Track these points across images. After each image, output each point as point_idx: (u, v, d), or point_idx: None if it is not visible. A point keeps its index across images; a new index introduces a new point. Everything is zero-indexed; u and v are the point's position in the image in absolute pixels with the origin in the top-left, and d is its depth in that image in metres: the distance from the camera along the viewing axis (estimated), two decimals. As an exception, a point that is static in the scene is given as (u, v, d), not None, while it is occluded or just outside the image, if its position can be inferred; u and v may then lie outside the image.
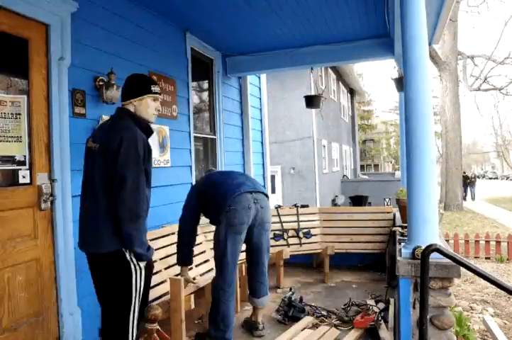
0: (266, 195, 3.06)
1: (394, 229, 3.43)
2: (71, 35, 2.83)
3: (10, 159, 2.45)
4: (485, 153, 59.72)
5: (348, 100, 20.27)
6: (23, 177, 2.54)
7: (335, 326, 3.18)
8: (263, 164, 6.40)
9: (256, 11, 3.88)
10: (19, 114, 2.49)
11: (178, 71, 4.22)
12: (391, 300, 3.15)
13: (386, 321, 3.10)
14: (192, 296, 2.78)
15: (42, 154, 2.64)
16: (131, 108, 2.17)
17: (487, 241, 7.94)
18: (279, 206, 4.98)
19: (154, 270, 3.15)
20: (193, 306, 2.79)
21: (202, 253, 3.85)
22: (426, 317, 2.02)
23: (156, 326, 2.53)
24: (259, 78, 6.38)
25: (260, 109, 6.38)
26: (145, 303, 2.15)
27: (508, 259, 7.58)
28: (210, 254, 3.96)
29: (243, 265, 3.56)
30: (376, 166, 40.60)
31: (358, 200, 11.49)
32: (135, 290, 2.01)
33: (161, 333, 2.61)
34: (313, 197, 11.57)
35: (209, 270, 3.75)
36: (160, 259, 3.29)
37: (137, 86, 2.19)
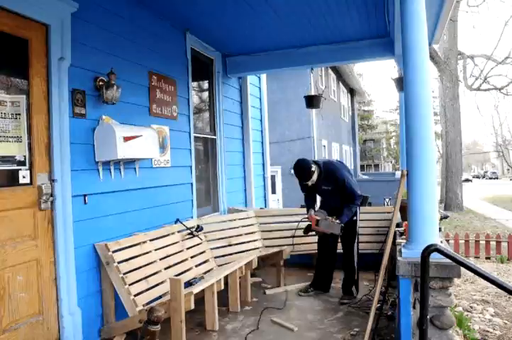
0: None
1: (395, 229, 3.42)
2: (72, 35, 2.83)
3: (10, 159, 2.45)
4: (485, 153, 59.65)
5: (348, 100, 20.26)
6: (23, 177, 2.53)
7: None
8: (263, 164, 6.40)
9: (256, 11, 3.88)
10: (19, 114, 2.49)
11: (178, 71, 4.22)
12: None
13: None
14: (192, 296, 2.78)
15: (42, 154, 2.64)
16: None
17: (487, 241, 7.94)
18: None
19: (154, 271, 3.16)
20: (193, 306, 2.78)
21: (202, 253, 3.86)
22: (426, 317, 2.02)
23: (158, 328, 2.53)
24: (259, 78, 6.38)
25: (260, 109, 6.38)
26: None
27: (508, 259, 7.58)
28: (210, 254, 3.96)
29: (243, 267, 3.56)
30: (376, 166, 40.54)
31: (358, 200, 11.45)
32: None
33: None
34: (313, 197, 11.54)
35: (209, 270, 3.76)
36: (160, 259, 3.29)
37: None
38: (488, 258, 7.82)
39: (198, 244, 3.84)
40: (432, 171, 2.27)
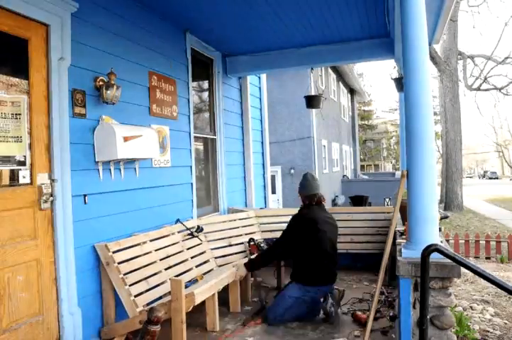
0: None
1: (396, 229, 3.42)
2: (71, 35, 2.83)
3: (10, 159, 2.45)
4: (485, 153, 59.67)
5: (348, 100, 20.26)
6: (23, 177, 2.53)
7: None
8: (263, 164, 6.40)
9: (256, 12, 3.88)
10: (19, 114, 2.49)
11: (178, 71, 4.22)
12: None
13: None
14: (193, 297, 2.77)
15: (42, 154, 2.64)
16: None
17: (487, 241, 7.95)
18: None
19: (154, 271, 3.16)
20: (191, 307, 2.78)
21: (202, 253, 3.85)
22: (426, 317, 2.02)
23: (158, 327, 2.53)
24: (259, 78, 6.38)
25: (260, 109, 6.38)
26: None
27: (508, 259, 7.59)
28: (210, 254, 3.96)
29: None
30: (376, 166, 40.54)
31: (358, 200, 11.47)
32: None
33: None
34: (313, 198, 11.55)
35: (210, 270, 3.75)
36: (160, 260, 3.29)
37: None
38: (488, 258, 7.82)
39: (198, 244, 3.84)
40: (432, 171, 2.27)
